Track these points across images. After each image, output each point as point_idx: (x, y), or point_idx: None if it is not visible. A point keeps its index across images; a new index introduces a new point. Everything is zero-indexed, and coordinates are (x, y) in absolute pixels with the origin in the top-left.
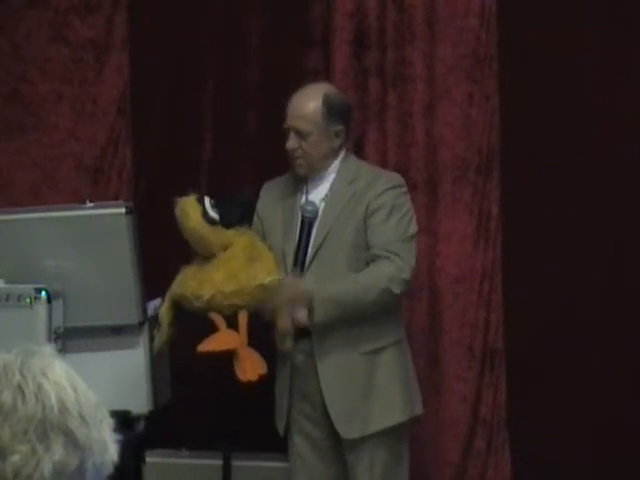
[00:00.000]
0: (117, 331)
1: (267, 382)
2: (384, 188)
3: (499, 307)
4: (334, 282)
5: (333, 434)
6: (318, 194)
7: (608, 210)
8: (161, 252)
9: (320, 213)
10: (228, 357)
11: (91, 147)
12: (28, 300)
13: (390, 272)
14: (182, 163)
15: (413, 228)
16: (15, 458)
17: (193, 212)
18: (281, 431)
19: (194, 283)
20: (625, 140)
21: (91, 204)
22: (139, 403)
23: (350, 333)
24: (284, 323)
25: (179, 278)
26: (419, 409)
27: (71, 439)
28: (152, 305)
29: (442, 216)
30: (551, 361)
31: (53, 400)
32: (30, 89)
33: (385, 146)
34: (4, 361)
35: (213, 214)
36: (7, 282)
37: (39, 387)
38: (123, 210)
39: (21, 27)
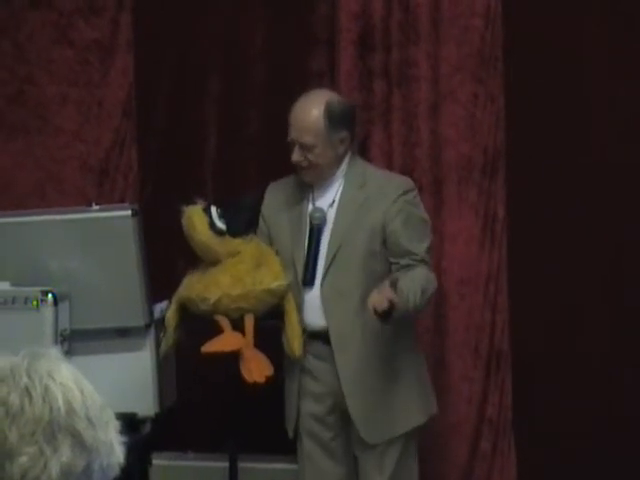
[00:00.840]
0: (123, 333)
1: (273, 384)
2: (397, 194)
3: (505, 308)
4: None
5: (341, 432)
6: (325, 200)
7: (615, 212)
8: (167, 254)
9: (332, 218)
10: (234, 359)
11: (96, 149)
12: (35, 302)
13: (432, 275)
14: (187, 164)
15: (429, 231)
16: (23, 460)
17: (200, 224)
18: (290, 433)
19: (200, 286)
20: (629, 141)
21: (97, 207)
22: (145, 405)
23: (368, 337)
24: (376, 299)
25: (185, 281)
26: (435, 408)
27: (78, 441)
28: (158, 307)
29: (447, 217)
30: (557, 362)
31: (60, 402)
32: (36, 91)
33: (390, 147)
34: (11, 363)
35: (220, 225)
36: (13, 284)
37: (46, 389)
38: (129, 212)
39: (24, 28)
